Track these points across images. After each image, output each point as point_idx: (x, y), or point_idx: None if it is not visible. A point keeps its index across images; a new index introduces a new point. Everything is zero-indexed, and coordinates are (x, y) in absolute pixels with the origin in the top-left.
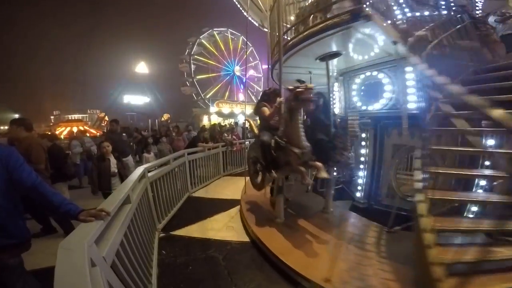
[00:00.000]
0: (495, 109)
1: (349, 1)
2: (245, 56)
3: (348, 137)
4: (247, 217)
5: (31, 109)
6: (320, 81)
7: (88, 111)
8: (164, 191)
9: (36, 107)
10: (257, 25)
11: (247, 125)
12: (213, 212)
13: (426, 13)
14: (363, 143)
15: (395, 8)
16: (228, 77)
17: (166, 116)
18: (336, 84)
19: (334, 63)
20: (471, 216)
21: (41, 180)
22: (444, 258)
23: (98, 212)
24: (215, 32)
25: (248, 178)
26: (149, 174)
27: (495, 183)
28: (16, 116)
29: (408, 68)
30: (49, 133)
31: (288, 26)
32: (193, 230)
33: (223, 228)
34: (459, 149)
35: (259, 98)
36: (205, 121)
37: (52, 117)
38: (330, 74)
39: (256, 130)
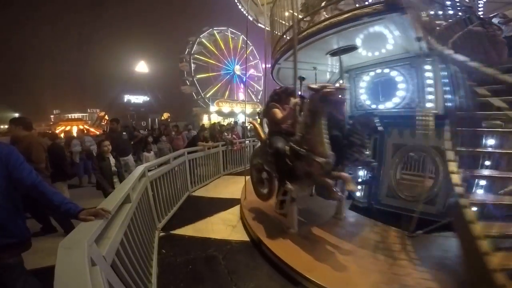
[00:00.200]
0: None
1: None
2: (245, 55)
3: (366, 133)
4: (247, 216)
5: (31, 108)
6: (321, 78)
7: (88, 110)
8: (164, 190)
9: (36, 106)
10: (251, 19)
11: (248, 126)
12: (213, 212)
13: (440, 12)
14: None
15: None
16: (228, 76)
17: (166, 115)
18: (341, 82)
19: (340, 58)
20: None
21: (41, 179)
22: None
23: (98, 211)
24: (215, 31)
25: (248, 177)
26: (149, 173)
27: None
28: (16, 115)
29: (427, 67)
30: (50, 131)
31: (283, 22)
32: (193, 229)
33: (223, 227)
34: (504, 151)
35: (269, 98)
36: (205, 120)
37: (52, 116)
38: (334, 70)
39: (262, 134)
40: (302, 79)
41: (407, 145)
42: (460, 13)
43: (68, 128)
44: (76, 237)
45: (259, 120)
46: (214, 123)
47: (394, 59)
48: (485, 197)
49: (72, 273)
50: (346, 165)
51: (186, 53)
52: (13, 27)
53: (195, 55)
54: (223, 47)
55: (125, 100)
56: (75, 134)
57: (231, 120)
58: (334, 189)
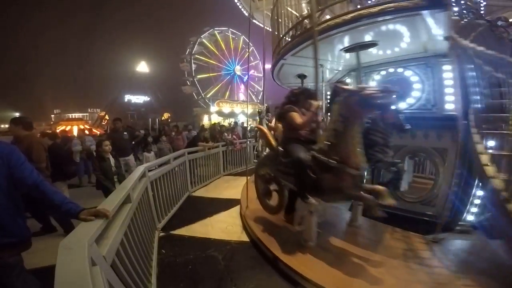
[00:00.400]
0: None
1: None
2: (248, 54)
3: (390, 132)
4: (247, 217)
5: (32, 108)
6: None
7: (89, 110)
8: (164, 190)
9: (37, 106)
10: (246, 14)
11: (249, 126)
12: (213, 212)
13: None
14: None
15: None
16: (229, 76)
17: (166, 115)
18: (347, 81)
19: (346, 56)
20: None
21: (42, 178)
22: None
23: (99, 211)
24: (216, 32)
25: (249, 177)
26: (150, 173)
27: None
28: (17, 114)
29: (446, 67)
30: (50, 131)
31: (292, 11)
32: (193, 230)
33: (223, 227)
34: None
35: (284, 99)
36: (205, 121)
37: (52, 116)
38: (338, 68)
39: (273, 141)
40: (303, 77)
41: (407, 146)
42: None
43: (68, 128)
44: (77, 237)
45: (259, 120)
46: (214, 123)
47: (408, 58)
48: None
49: (72, 273)
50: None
51: (187, 53)
52: (14, 27)
53: (196, 55)
54: (224, 48)
55: (126, 100)
56: (75, 133)
57: (232, 120)
58: (375, 206)
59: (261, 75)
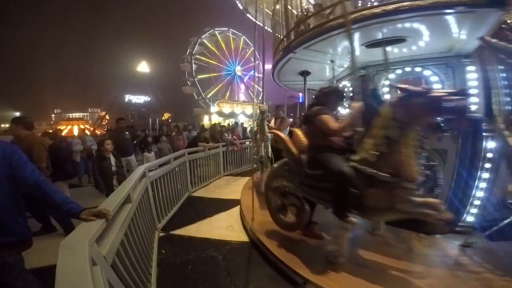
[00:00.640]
0: None
1: None
2: (254, 52)
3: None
4: (247, 217)
5: (32, 107)
6: (319, 74)
7: (89, 110)
8: (164, 190)
9: (38, 105)
10: (241, 8)
11: (246, 126)
12: (213, 212)
13: None
14: None
15: None
16: (229, 77)
17: (166, 115)
18: (354, 80)
19: (360, 52)
20: None
21: (43, 178)
22: None
23: (100, 211)
24: (216, 32)
25: (249, 178)
26: (150, 174)
27: None
28: (17, 114)
29: (470, 67)
30: (51, 131)
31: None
32: (193, 230)
33: (223, 228)
34: None
35: (313, 99)
36: (205, 121)
37: (53, 115)
38: (345, 65)
39: (293, 149)
40: (306, 74)
41: None
42: None
43: (67, 128)
44: (77, 237)
45: (260, 120)
46: (215, 123)
47: (427, 57)
48: None
49: (73, 273)
50: None
51: (187, 53)
52: (15, 27)
53: (196, 56)
54: (224, 48)
55: (126, 100)
56: (76, 133)
57: (232, 120)
58: (439, 220)
59: (261, 75)
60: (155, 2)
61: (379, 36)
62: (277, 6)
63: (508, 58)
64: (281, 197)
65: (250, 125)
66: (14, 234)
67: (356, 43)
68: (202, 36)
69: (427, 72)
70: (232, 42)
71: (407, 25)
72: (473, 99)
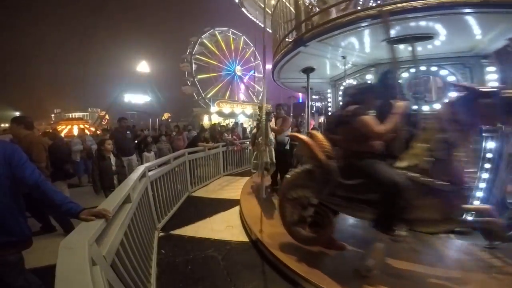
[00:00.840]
0: None
1: None
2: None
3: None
4: (246, 217)
5: (32, 107)
6: (320, 72)
7: (89, 110)
8: (164, 190)
9: (37, 105)
10: (236, 1)
11: (246, 127)
12: (212, 212)
13: None
14: None
15: None
16: (229, 77)
17: (166, 115)
18: (362, 78)
19: (375, 48)
20: None
21: (43, 178)
22: None
23: (100, 211)
24: (216, 32)
25: (248, 178)
26: (150, 173)
27: None
28: (17, 114)
29: (491, 68)
30: (51, 131)
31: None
32: (192, 230)
33: (223, 228)
34: None
35: (347, 97)
36: (205, 121)
37: (53, 115)
38: (357, 62)
39: (320, 155)
40: (310, 71)
41: None
42: None
43: (67, 127)
44: (77, 237)
45: (263, 121)
46: (215, 123)
47: (443, 57)
48: None
49: (73, 273)
50: None
51: (187, 53)
52: (15, 26)
53: (196, 56)
54: (224, 48)
55: (126, 100)
56: (75, 133)
57: (232, 120)
58: (501, 228)
59: (261, 75)
60: (155, 2)
61: (407, 31)
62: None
63: None
64: (301, 209)
65: (249, 125)
66: (15, 233)
67: (376, 38)
68: (202, 36)
69: (443, 72)
70: (232, 42)
71: (442, 22)
72: None
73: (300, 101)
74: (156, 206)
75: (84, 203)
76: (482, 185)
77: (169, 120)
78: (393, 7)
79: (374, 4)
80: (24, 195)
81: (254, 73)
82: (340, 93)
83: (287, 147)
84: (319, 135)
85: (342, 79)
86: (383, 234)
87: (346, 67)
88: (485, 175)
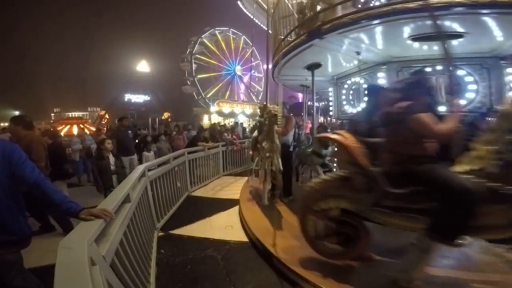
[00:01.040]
0: None
1: None
2: (249, 52)
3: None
4: (246, 217)
5: (32, 106)
6: (335, 70)
7: (89, 109)
8: (163, 190)
9: (37, 104)
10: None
11: (245, 126)
12: (212, 212)
13: None
14: None
15: None
16: (229, 76)
17: (166, 115)
18: (371, 77)
19: (445, 45)
20: None
21: (43, 177)
22: None
23: (100, 212)
24: (216, 32)
25: (248, 177)
26: (149, 173)
27: None
28: (17, 113)
29: (510, 70)
30: (51, 129)
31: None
32: (192, 230)
33: (222, 227)
34: None
35: (394, 93)
36: (205, 121)
37: (52, 114)
38: (363, 61)
39: (363, 160)
40: (315, 67)
41: None
42: None
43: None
44: (77, 237)
45: (268, 123)
46: (214, 123)
47: (460, 57)
48: None
49: (72, 272)
50: None
51: (187, 53)
52: (14, 25)
53: (197, 55)
54: (224, 48)
55: (126, 99)
56: (75, 132)
57: (231, 120)
58: None
59: (262, 75)
60: (156, 1)
61: (439, 28)
62: None
63: None
64: (329, 221)
65: (249, 125)
66: (14, 232)
67: (400, 34)
68: (202, 36)
69: (460, 72)
70: (232, 42)
71: (476, 21)
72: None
73: (300, 101)
74: (155, 205)
75: (83, 203)
76: None
77: (169, 120)
78: (439, 1)
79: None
80: (24, 194)
81: (254, 72)
82: (344, 91)
83: (291, 148)
84: (351, 137)
85: (347, 77)
86: (443, 243)
87: (354, 64)
88: None
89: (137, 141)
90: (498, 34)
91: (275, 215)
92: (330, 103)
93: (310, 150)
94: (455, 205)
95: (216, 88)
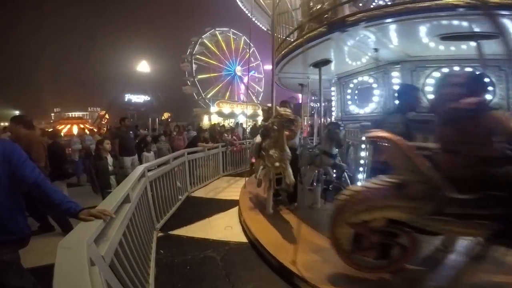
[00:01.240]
0: None
1: None
2: (250, 52)
3: None
4: (246, 218)
5: (32, 106)
6: (341, 68)
7: (89, 109)
8: (163, 190)
9: (37, 104)
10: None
11: (245, 127)
12: (211, 212)
13: None
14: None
15: None
16: (229, 77)
17: (166, 115)
18: (383, 76)
19: (478, 45)
20: None
21: (43, 177)
22: None
23: (100, 213)
24: (217, 32)
25: (248, 178)
26: (149, 174)
27: None
28: (17, 112)
29: None
30: (51, 129)
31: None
32: (191, 230)
33: (222, 228)
34: None
35: (458, 88)
36: (205, 121)
37: (52, 114)
38: (376, 59)
39: (425, 164)
40: (323, 64)
41: None
42: None
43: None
44: (76, 237)
45: (279, 132)
46: (214, 124)
47: (474, 58)
48: None
49: (72, 273)
50: None
51: (187, 53)
52: (15, 24)
53: (197, 56)
54: (225, 48)
55: (126, 99)
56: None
57: (232, 121)
58: None
59: (262, 76)
60: (157, 2)
61: (475, 28)
62: None
63: None
64: (371, 234)
65: (248, 126)
66: (14, 232)
67: (428, 32)
68: (203, 36)
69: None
70: (232, 42)
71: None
72: None
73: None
74: (155, 206)
75: (83, 203)
76: None
77: (169, 120)
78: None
79: None
80: (23, 194)
81: (254, 73)
82: (349, 91)
83: (298, 151)
84: (400, 139)
85: (353, 76)
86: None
87: (362, 62)
88: None
89: (137, 141)
90: None
91: (284, 226)
92: (333, 103)
93: (317, 150)
94: None
95: (216, 88)
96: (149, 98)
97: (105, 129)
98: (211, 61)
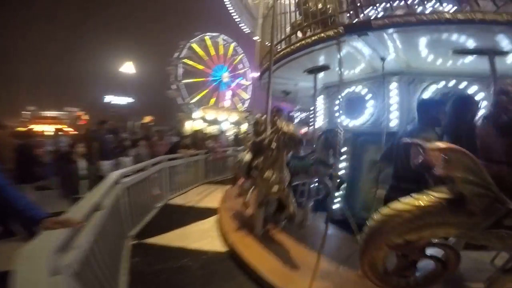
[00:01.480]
0: None
1: None
2: (238, 59)
3: None
4: (225, 227)
5: (3, 105)
6: (331, 76)
7: (66, 109)
8: (139, 197)
9: (9, 103)
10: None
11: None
12: (190, 220)
13: None
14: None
15: None
16: (216, 83)
17: (148, 119)
18: (378, 87)
19: (411, 55)
20: None
21: (7, 182)
22: None
23: (68, 221)
24: (206, 37)
25: (228, 187)
26: (125, 180)
27: None
28: None
29: None
30: (24, 129)
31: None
32: (168, 238)
33: (200, 237)
34: None
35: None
36: (188, 126)
37: (25, 113)
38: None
39: (488, 177)
40: (320, 70)
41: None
42: None
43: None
44: (38, 245)
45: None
46: (196, 130)
47: (472, 72)
48: None
49: (32, 283)
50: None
51: (174, 57)
52: None
53: (184, 60)
54: (213, 53)
55: (107, 100)
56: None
57: (216, 127)
58: None
59: (249, 83)
60: (144, 3)
61: (487, 43)
62: None
63: None
64: (415, 254)
65: (234, 132)
66: None
67: (444, 44)
68: (192, 40)
69: (473, 88)
70: (221, 48)
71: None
72: None
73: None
74: (130, 213)
75: (52, 207)
76: None
77: (152, 124)
78: None
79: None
80: None
81: (242, 79)
82: (338, 101)
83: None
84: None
85: (344, 85)
86: None
87: (356, 71)
88: None
89: (115, 146)
90: None
91: (281, 250)
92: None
93: (310, 159)
94: None
95: (202, 93)
96: (132, 101)
97: (82, 131)
98: (198, 66)
